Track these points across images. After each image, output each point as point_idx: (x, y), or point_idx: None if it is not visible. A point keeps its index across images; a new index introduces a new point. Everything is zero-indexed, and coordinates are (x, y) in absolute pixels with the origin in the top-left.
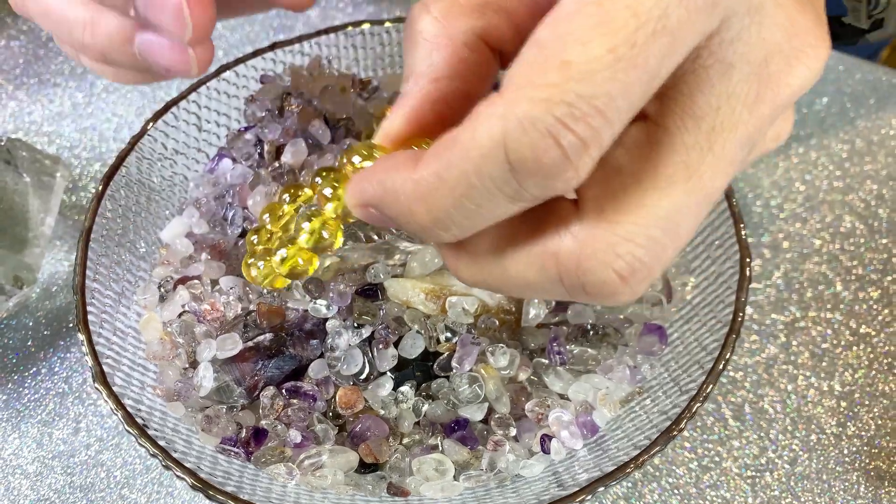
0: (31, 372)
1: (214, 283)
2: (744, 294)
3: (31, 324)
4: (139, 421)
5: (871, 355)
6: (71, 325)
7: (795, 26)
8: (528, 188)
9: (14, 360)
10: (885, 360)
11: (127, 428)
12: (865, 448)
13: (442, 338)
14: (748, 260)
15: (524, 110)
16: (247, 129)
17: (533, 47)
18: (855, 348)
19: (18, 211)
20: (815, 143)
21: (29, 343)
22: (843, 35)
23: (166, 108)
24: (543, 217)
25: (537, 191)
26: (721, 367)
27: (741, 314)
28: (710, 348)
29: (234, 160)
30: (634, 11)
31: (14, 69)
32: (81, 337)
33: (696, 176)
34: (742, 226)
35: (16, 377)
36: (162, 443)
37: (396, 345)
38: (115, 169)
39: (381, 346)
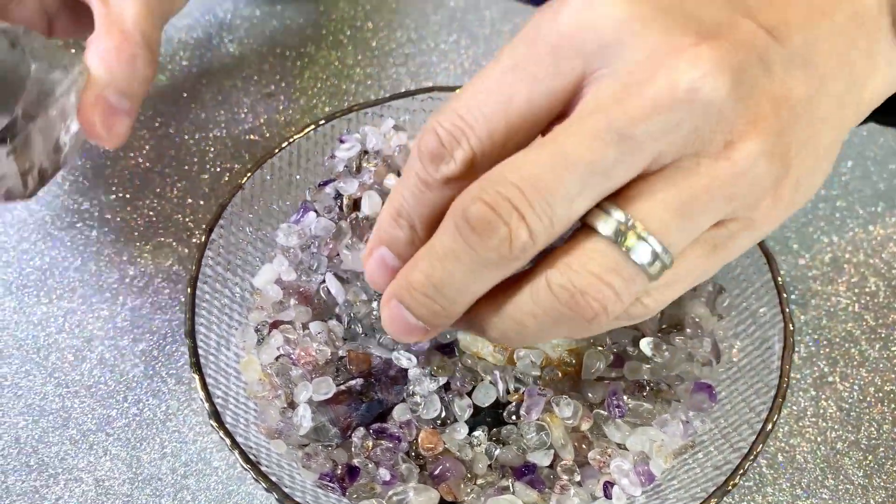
0: (119, 399)
1: (305, 326)
2: (788, 361)
3: (119, 355)
4: (252, 458)
5: None
6: (155, 355)
7: (664, 44)
8: (430, 170)
9: (109, 387)
10: None
11: (242, 464)
12: (891, 499)
13: (511, 388)
14: (791, 328)
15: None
16: (326, 182)
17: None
18: (880, 405)
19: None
20: (841, 205)
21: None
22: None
23: (258, 164)
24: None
25: (434, 171)
26: (770, 427)
27: (786, 379)
28: (758, 409)
29: (317, 213)
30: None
31: None
32: (195, 376)
33: (553, 141)
34: (785, 296)
35: (110, 402)
36: (273, 478)
37: (470, 394)
38: (215, 220)
39: (456, 396)
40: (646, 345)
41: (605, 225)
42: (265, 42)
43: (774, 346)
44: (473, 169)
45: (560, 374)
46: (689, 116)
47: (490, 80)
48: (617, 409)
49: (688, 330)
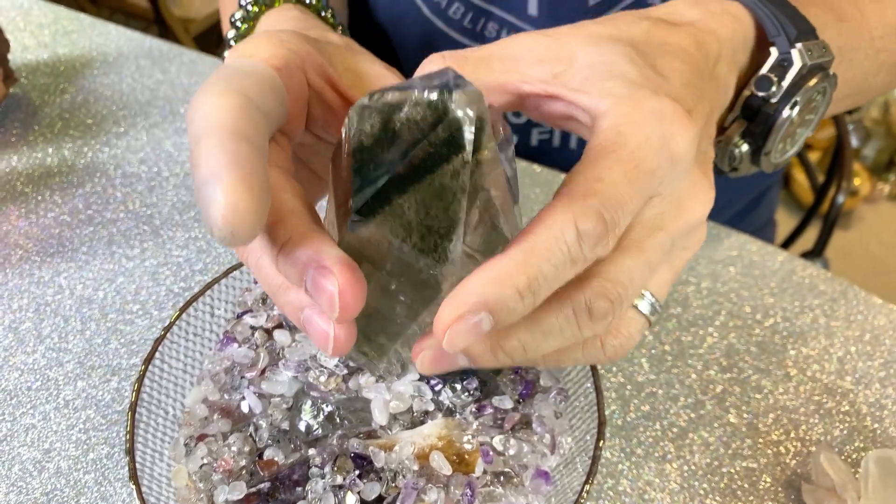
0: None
1: (225, 436)
2: (599, 453)
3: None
4: None
5: (723, 484)
6: (104, 462)
7: (696, 182)
8: (585, 250)
9: (65, 494)
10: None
11: None
12: None
13: (390, 483)
14: (604, 425)
15: (584, 203)
16: (242, 314)
17: (577, 175)
18: (710, 476)
19: None
20: (664, 314)
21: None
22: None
23: (188, 304)
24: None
25: (590, 252)
26: (582, 500)
27: (597, 466)
28: (575, 489)
29: (238, 343)
30: (635, 163)
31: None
32: (132, 486)
33: (641, 251)
34: (603, 402)
35: None
36: None
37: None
38: (152, 354)
39: (348, 492)
40: (497, 441)
41: (644, 304)
42: None
43: (594, 439)
44: None
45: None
46: (697, 227)
47: (631, 175)
48: (469, 498)
49: (534, 426)
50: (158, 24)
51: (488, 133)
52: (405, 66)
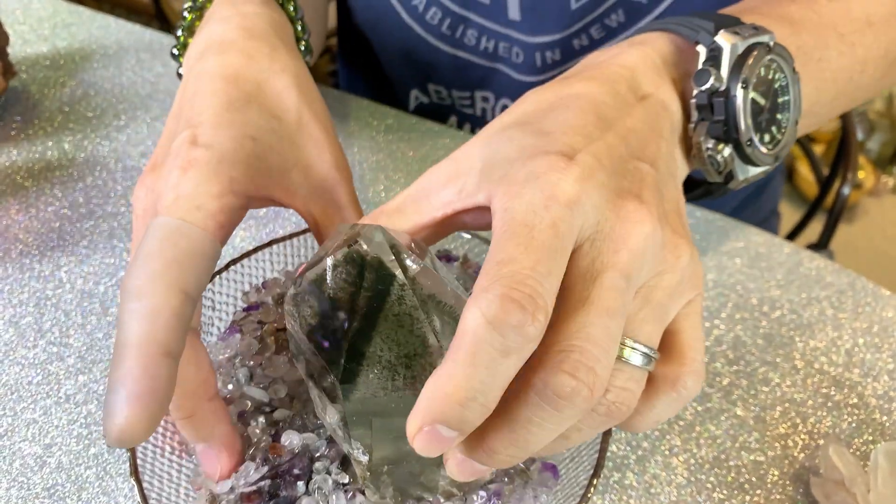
0: (74, 499)
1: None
2: (606, 445)
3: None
4: None
5: (730, 477)
6: (106, 458)
7: (618, 207)
8: (511, 339)
9: (66, 489)
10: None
11: None
12: None
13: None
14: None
15: (485, 294)
16: (248, 308)
17: (483, 267)
18: (717, 469)
19: None
20: None
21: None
22: (713, 191)
23: None
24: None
25: (518, 338)
26: (589, 493)
27: (603, 460)
28: (582, 483)
29: (242, 333)
30: (528, 230)
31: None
32: (133, 482)
33: (590, 302)
34: None
35: (66, 502)
36: None
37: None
38: None
39: (359, 493)
40: None
41: (635, 356)
42: None
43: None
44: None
45: None
46: (657, 251)
47: (538, 238)
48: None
49: None
50: (160, 20)
51: (406, 251)
52: (388, 72)
